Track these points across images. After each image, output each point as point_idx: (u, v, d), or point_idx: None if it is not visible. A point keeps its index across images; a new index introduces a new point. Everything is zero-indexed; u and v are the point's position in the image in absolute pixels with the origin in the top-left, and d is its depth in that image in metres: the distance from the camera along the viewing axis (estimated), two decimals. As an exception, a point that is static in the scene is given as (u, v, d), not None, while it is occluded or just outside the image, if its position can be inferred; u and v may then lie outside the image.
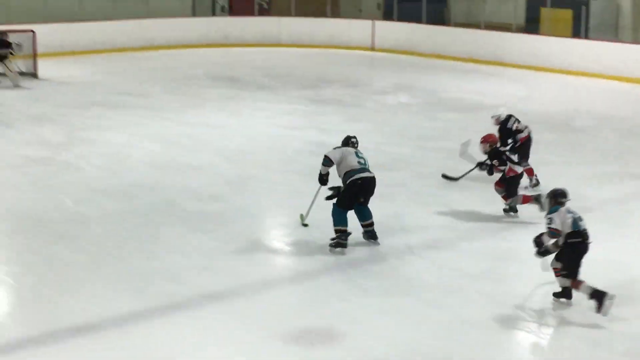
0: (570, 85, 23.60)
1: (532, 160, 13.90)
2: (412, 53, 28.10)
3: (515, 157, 12.79)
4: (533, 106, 20.08)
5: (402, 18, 29.09)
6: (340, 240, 11.08)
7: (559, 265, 9.56)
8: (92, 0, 27.88)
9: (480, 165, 13.00)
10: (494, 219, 12.58)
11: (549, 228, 9.42)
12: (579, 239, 9.35)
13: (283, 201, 13.34)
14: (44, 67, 22.69)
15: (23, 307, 9.54)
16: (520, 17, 28.14)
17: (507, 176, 12.56)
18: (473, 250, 11.29)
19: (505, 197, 12.64)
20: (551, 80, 24.21)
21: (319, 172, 11.47)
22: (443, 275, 10.34)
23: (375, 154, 15.71)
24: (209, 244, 11.35)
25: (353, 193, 11.16)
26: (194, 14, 30.70)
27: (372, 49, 28.95)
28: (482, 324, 9.07)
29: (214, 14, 30.55)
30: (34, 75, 22.51)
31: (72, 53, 26.27)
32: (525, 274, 10.24)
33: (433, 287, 10.07)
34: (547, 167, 14.72)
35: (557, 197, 9.62)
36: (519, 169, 12.70)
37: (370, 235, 11.42)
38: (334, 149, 11.48)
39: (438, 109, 20.20)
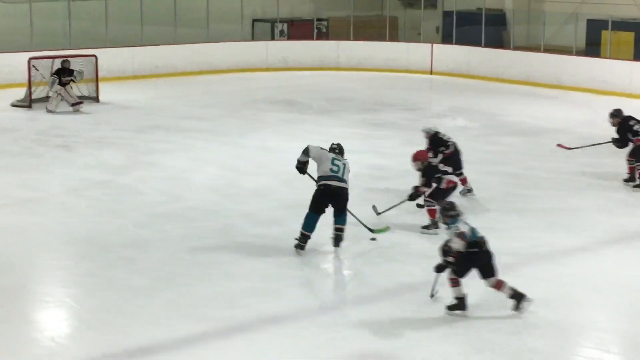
0: (633, 108, 23.27)
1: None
2: (470, 76, 27.99)
3: (449, 169, 13.29)
4: (595, 130, 19.83)
5: (460, 41, 29.01)
6: (300, 242, 11.76)
7: (454, 275, 9.86)
8: (153, 25, 28.17)
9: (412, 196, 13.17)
10: (555, 244, 12.44)
11: (458, 234, 9.71)
12: (476, 249, 9.83)
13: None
14: (106, 91, 22.96)
15: (83, 330, 9.62)
16: (581, 39, 27.90)
17: (447, 187, 12.87)
18: (534, 275, 11.16)
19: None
20: (613, 104, 23.87)
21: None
22: (503, 301, 10.23)
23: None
24: (267, 268, 11.36)
25: (316, 198, 11.82)
26: (253, 38, 30.90)
27: (431, 72, 28.88)
28: (549, 352, 8.95)
29: (273, 38, 30.71)
30: (95, 99, 22.79)
31: (134, 77, 26.56)
32: (589, 299, 10.11)
33: (495, 312, 9.96)
34: (611, 193, 14.55)
35: (448, 212, 9.93)
36: (455, 179, 13.19)
37: (334, 239, 11.88)
38: (320, 148, 12.03)
39: (497, 133, 20.07)
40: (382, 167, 16.54)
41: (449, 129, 20.34)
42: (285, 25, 30.89)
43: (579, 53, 26.98)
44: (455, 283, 9.90)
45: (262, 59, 29.32)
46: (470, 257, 9.83)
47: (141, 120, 20.74)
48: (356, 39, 30.22)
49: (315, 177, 12.02)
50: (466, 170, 16.28)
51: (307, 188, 15.00)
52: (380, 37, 30.56)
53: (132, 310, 9.97)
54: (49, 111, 21.32)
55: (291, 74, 28.63)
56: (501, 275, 9.95)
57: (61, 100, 21.56)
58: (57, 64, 22.08)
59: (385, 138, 19.16)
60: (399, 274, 11.17)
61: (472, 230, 9.92)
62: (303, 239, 11.77)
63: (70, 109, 21.39)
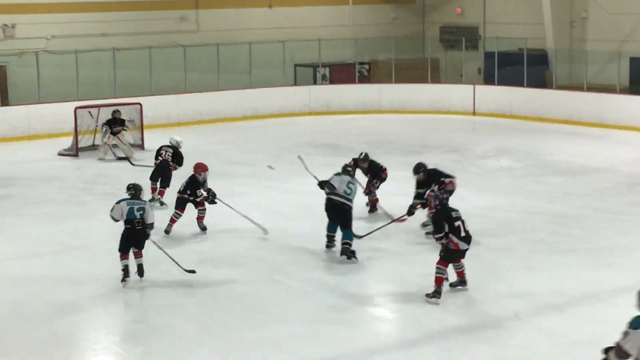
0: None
1: None
2: (514, 117, 27.91)
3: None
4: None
5: (503, 82, 28.97)
6: (327, 242, 13.77)
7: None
8: (197, 72, 28.45)
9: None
10: (602, 283, 12.33)
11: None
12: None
13: (388, 268, 13.30)
14: (151, 139, 23.13)
15: (132, 377, 9.67)
16: (625, 78, 27.74)
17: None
18: (582, 315, 11.06)
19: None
20: (658, 142, 23.78)
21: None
22: (553, 342, 10.15)
23: (479, 220, 15.64)
24: (313, 311, 11.37)
25: (325, 208, 13.76)
26: (296, 82, 31.10)
27: (473, 113, 28.83)
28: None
29: (315, 82, 30.87)
30: (140, 146, 23.02)
31: (178, 124, 26.78)
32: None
33: (544, 355, 9.87)
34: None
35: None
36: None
37: (342, 251, 13.41)
38: (335, 174, 13.93)
39: (542, 173, 19.97)
40: (427, 211, 16.48)
41: (493, 169, 20.36)
42: (327, 69, 31.04)
43: (623, 91, 26.81)
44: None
45: (305, 103, 29.47)
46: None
47: (186, 166, 20.83)
48: (398, 81, 30.29)
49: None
50: (512, 210, 16.27)
51: (353, 230, 15.05)
52: (422, 79, 30.59)
53: (178, 356, 10.01)
54: (100, 159, 21.58)
55: (333, 117, 28.73)
56: (549, 315, 9.84)
57: (114, 147, 21.81)
58: (104, 113, 22.35)
59: (429, 180, 19.12)
60: (445, 317, 11.10)
61: None
62: (329, 240, 13.79)
63: (111, 156, 21.65)
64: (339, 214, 13.57)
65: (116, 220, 12.50)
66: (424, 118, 28.41)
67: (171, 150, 17.80)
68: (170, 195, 16.04)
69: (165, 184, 17.29)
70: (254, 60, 29.30)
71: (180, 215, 15.04)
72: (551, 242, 14.45)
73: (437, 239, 11.75)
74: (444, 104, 29.19)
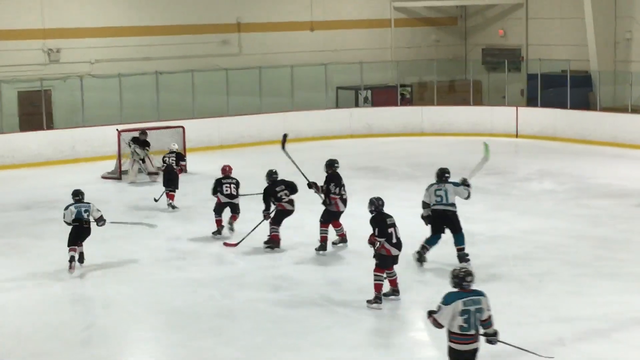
0: None
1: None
2: (557, 139, 27.72)
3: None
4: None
5: (546, 104, 28.81)
6: (420, 252, 14.50)
7: None
8: (239, 96, 28.59)
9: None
10: (649, 309, 12.19)
11: None
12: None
13: (430, 293, 13.21)
14: (193, 162, 23.27)
15: (174, 401, 9.67)
16: (669, 99, 27.52)
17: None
18: (627, 341, 10.92)
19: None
20: None
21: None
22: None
23: (522, 243, 15.56)
24: (354, 336, 11.33)
25: (432, 221, 14.45)
26: (338, 105, 31.14)
27: (516, 135, 28.68)
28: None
29: (357, 105, 30.89)
30: (183, 170, 23.12)
31: (220, 147, 26.91)
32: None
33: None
34: None
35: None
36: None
37: (458, 257, 14.23)
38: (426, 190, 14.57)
39: (586, 196, 19.78)
40: (469, 232, 16.37)
41: (535, 192, 20.21)
42: (369, 92, 31.05)
43: (668, 113, 26.58)
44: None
45: (347, 126, 29.50)
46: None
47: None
48: (440, 103, 30.23)
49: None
50: (555, 234, 16.15)
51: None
52: (464, 102, 30.51)
53: (221, 380, 10.00)
54: (132, 182, 21.75)
55: (375, 140, 28.71)
56: (594, 341, 9.73)
57: (139, 171, 21.98)
58: (145, 136, 22.53)
59: (472, 203, 18.88)
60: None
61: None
62: (422, 250, 14.40)
63: (148, 178, 21.82)
64: (446, 222, 14.33)
65: (68, 224, 14.52)
66: (466, 140, 28.26)
67: (174, 155, 19.30)
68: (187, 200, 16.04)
69: (174, 187, 18.87)
70: (295, 83, 29.41)
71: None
72: (596, 266, 14.31)
73: (373, 239, 12.48)
74: (486, 126, 29.06)
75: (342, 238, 15.91)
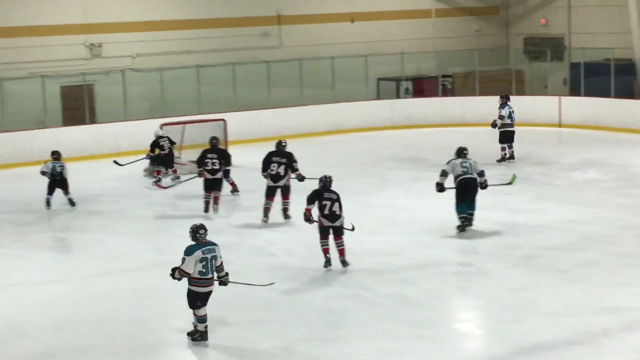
0: None
1: None
2: (600, 128, 27.44)
3: None
4: None
5: (589, 93, 28.52)
6: (463, 222, 15.68)
7: None
8: (280, 88, 28.62)
9: None
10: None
11: None
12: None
13: (472, 284, 13.16)
14: (235, 154, 23.26)
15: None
16: None
17: None
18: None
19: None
20: None
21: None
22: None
23: (566, 233, 15.43)
24: (396, 327, 11.29)
25: (459, 191, 15.73)
26: (379, 96, 31.06)
27: (559, 125, 28.44)
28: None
29: (398, 96, 30.79)
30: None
31: (261, 139, 26.90)
32: None
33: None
34: None
35: None
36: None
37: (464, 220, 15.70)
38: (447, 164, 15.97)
39: (630, 185, 19.56)
40: (512, 223, 16.30)
41: (579, 182, 20.03)
42: (410, 83, 30.94)
43: None
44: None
45: (388, 117, 29.42)
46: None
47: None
48: (482, 94, 30.03)
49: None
50: (599, 224, 16.03)
51: (438, 245, 14.98)
52: (506, 91, 30.27)
53: (263, 372, 10.01)
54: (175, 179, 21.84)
55: (417, 131, 28.61)
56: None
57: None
58: (188, 130, 22.58)
59: (515, 193, 18.88)
60: (532, 333, 10.92)
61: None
62: (465, 220, 15.69)
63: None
64: (470, 189, 15.73)
65: (44, 174, 18.59)
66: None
67: (166, 138, 21.26)
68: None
69: (170, 166, 21.29)
70: (336, 74, 29.37)
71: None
72: (640, 257, 14.15)
73: (307, 211, 13.99)
74: (529, 115, 28.80)
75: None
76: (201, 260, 10.80)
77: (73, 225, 17.72)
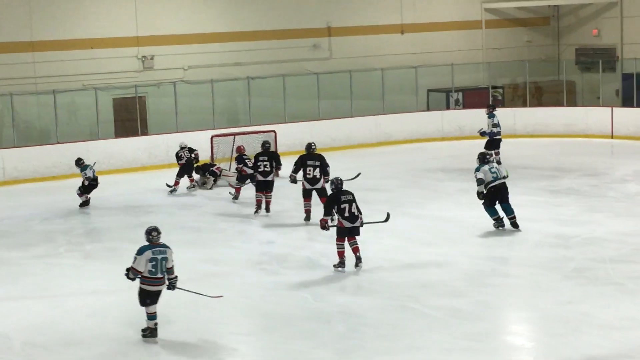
0: None
1: None
2: (654, 139, 27.18)
3: None
4: None
5: (642, 103, 28.28)
6: (497, 222, 16.48)
7: None
8: (330, 99, 28.69)
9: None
10: None
11: None
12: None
13: (524, 296, 13.09)
14: (285, 165, 23.33)
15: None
16: None
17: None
18: None
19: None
20: None
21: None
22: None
23: (618, 245, 15.29)
24: (447, 339, 11.26)
25: (488, 196, 16.35)
26: (429, 108, 31.00)
27: (612, 136, 28.19)
28: None
29: (448, 107, 30.72)
30: (275, 174, 23.23)
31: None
32: None
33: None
34: None
35: None
36: None
37: (512, 224, 16.38)
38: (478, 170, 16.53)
39: (684, 197, 19.36)
40: (564, 235, 16.17)
41: (632, 194, 19.83)
42: (461, 94, 30.87)
43: None
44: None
45: (438, 128, 29.37)
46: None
47: (320, 193, 21.02)
48: (533, 105, 29.89)
49: None
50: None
51: (488, 257, 14.92)
52: (557, 103, 30.13)
53: (314, 383, 10.03)
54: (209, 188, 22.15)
55: (467, 142, 28.47)
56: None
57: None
58: (238, 141, 22.73)
59: (567, 205, 18.76)
60: (584, 346, 10.84)
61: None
62: (499, 221, 16.46)
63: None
64: (501, 194, 16.41)
65: (89, 179, 19.96)
66: (560, 142, 27.93)
67: (186, 149, 21.87)
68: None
69: (190, 174, 21.92)
70: (386, 86, 29.38)
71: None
72: (694, 269, 13.98)
73: (322, 222, 14.50)
74: (580, 127, 28.63)
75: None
76: (151, 260, 11.48)
77: (125, 235, 17.87)
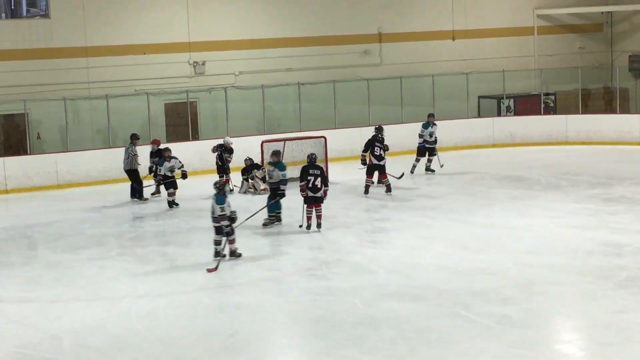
0: None
1: None
2: None
3: None
4: None
5: (696, 111, 27.96)
6: None
7: None
8: (380, 105, 28.67)
9: None
10: None
11: None
12: None
13: (575, 304, 12.98)
14: (335, 172, 23.43)
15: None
16: None
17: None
18: None
19: None
20: None
21: None
22: None
23: (670, 255, 15.10)
24: (497, 347, 11.20)
25: None
26: (480, 114, 30.88)
27: (665, 144, 27.93)
28: None
29: (499, 114, 30.57)
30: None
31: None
32: None
33: None
34: None
35: None
36: None
37: None
38: None
39: None
40: (616, 244, 16.01)
41: (686, 202, 19.60)
42: (512, 100, 30.71)
43: None
44: None
45: (489, 135, 29.24)
46: None
47: (370, 199, 21.03)
48: (585, 112, 29.65)
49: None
50: None
51: (539, 265, 14.81)
52: (610, 110, 29.87)
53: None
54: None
55: (518, 149, 28.37)
56: None
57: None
58: (289, 147, 22.82)
59: (619, 213, 18.57)
60: (637, 356, 10.74)
61: None
62: None
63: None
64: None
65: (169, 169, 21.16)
66: (612, 149, 27.66)
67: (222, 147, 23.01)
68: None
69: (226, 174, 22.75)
70: (437, 92, 29.30)
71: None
72: None
73: (301, 187, 17.69)
74: (633, 134, 28.35)
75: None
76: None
77: (176, 239, 18.02)
